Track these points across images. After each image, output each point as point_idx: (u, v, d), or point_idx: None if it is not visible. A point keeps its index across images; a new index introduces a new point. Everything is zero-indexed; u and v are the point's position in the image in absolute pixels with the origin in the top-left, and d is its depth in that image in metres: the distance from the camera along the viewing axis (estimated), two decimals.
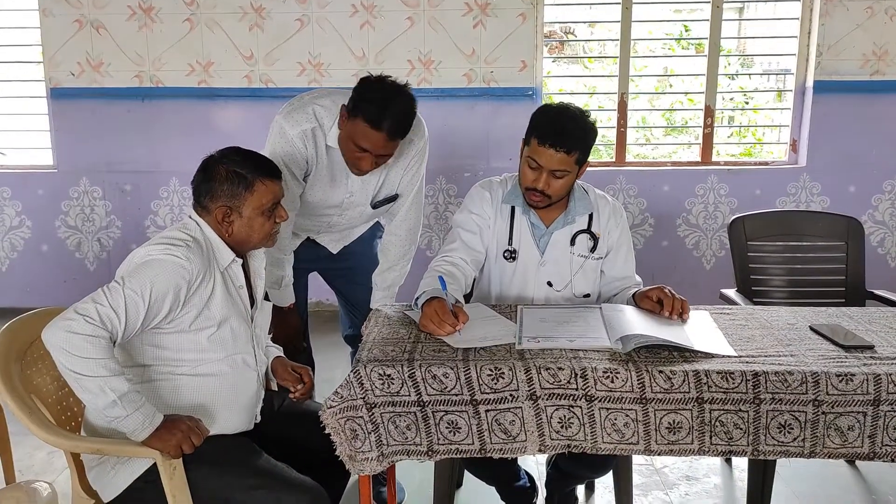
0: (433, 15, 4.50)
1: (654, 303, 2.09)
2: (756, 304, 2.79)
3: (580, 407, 1.74)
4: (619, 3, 4.51)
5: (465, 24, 4.49)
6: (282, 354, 2.11)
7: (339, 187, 2.39)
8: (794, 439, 1.72)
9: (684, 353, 1.80)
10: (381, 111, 2.10)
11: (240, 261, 1.91)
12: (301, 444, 1.97)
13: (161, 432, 1.67)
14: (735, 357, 1.79)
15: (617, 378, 1.72)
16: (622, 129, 4.69)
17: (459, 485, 2.68)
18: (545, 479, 2.46)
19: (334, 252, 2.61)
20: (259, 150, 2.37)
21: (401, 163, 2.41)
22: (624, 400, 1.72)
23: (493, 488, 2.40)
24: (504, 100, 4.59)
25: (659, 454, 1.75)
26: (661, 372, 1.72)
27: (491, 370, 1.73)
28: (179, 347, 1.81)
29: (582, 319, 2.03)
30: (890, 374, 1.70)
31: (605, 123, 4.75)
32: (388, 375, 1.73)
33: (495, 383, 1.73)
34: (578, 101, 5.59)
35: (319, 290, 2.95)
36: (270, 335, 2.16)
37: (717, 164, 4.74)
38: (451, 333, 1.91)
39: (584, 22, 5.21)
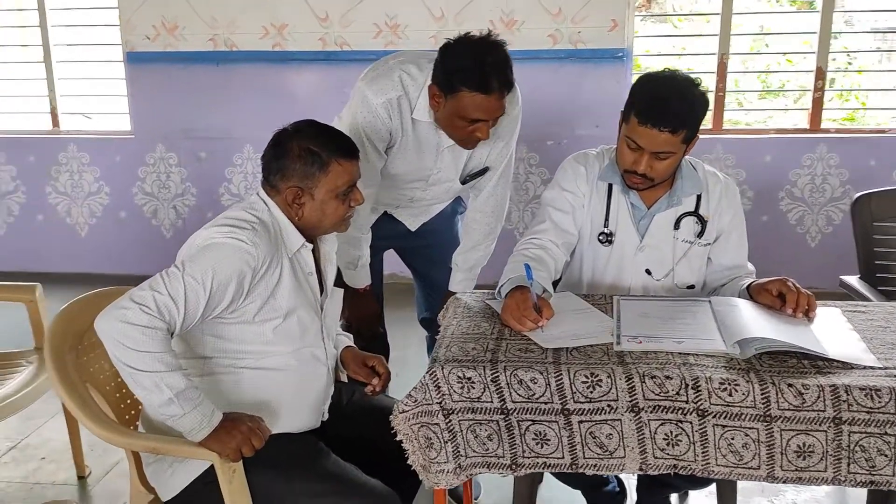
0: None
1: (773, 297, 1.81)
2: (883, 294, 2.47)
3: (690, 423, 1.50)
4: None
5: None
6: (352, 344, 1.93)
7: (427, 161, 2.19)
8: None
9: (816, 363, 1.54)
10: (483, 73, 1.88)
11: (310, 246, 1.73)
12: (372, 443, 1.79)
13: (220, 433, 1.52)
14: (879, 369, 1.52)
15: (736, 391, 1.47)
16: (721, 93, 4.31)
17: (541, 480, 2.48)
18: (636, 484, 2.23)
19: (412, 229, 2.42)
20: (333, 117, 2.19)
21: (493, 133, 2.19)
22: (744, 417, 1.48)
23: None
24: (592, 62, 4.28)
25: (784, 482, 1.50)
26: (790, 386, 1.46)
27: (586, 376, 1.50)
28: (243, 339, 1.65)
29: (690, 316, 1.77)
30: None
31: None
32: (469, 378, 1.53)
33: (591, 392, 1.51)
34: (672, 64, 5.25)
35: (395, 263, 2.77)
36: (342, 321, 1.99)
37: (828, 131, 4.32)
38: (532, 329, 1.70)
39: None
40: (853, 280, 2.51)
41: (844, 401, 1.44)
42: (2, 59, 4.87)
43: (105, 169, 4.76)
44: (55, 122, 4.81)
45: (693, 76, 1.91)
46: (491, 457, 1.57)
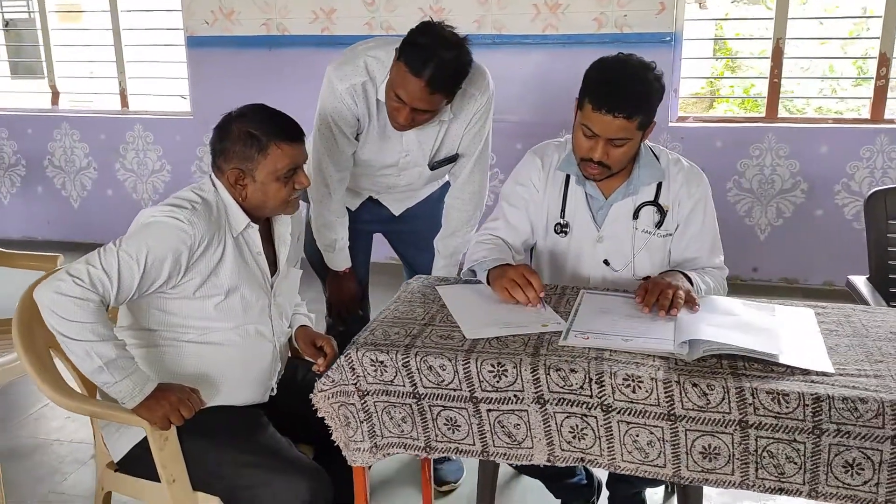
0: None
1: (641, 292, 1.77)
2: (892, 298, 2.33)
3: (595, 417, 1.48)
4: None
5: None
6: (307, 324, 1.99)
7: (394, 146, 2.21)
8: (865, 483, 1.37)
9: (764, 366, 1.47)
10: (424, 57, 1.90)
11: (255, 226, 1.79)
12: (318, 421, 1.86)
13: (150, 402, 1.62)
14: (828, 375, 1.44)
15: (640, 388, 1.44)
16: (776, 79, 4.12)
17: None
18: (607, 478, 2.20)
19: (396, 213, 2.45)
20: None
21: (460, 119, 2.19)
22: (648, 414, 1.45)
23: None
24: (638, 47, 4.04)
25: (692, 482, 1.46)
26: (695, 385, 1.42)
27: (492, 366, 1.51)
28: (185, 314, 1.74)
29: (651, 313, 1.73)
30: None
31: (754, 73, 4.21)
32: (381, 362, 1.56)
33: (497, 381, 1.51)
34: (724, 52, 5.04)
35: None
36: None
37: (891, 122, 4.06)
38: (527, 303, 1.74)
39: None
40: (859, 281, 2.37)
41: (750, 404, 1.39)
42: (78, 42, 5.20)
43: (167, 148, 5.02)
44: (124, 103, 5.10)
45: (647, 60, 1.85)
46: (406, 438, 1.60)
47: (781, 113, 4.30)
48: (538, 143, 2.12)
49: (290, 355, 2.01)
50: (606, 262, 2.00)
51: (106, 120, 5.10)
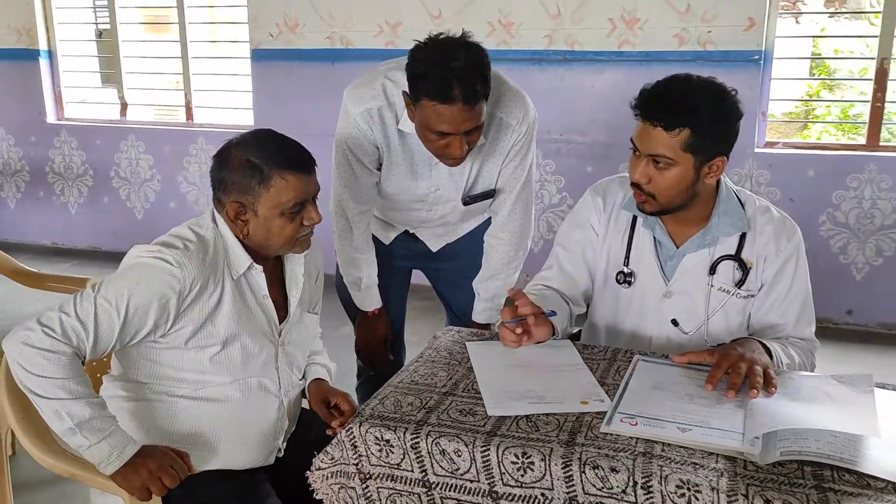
0: None
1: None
2: None
3: None
4: None
5: None
6: (323, 377, 1.77)
7: (422, 179, 1.98)
8: None
9: (859, 479, 1.17)
10: (443, 79, 1.65)
11: (259, 267, 1.59)
12: None
13: (128, 468, 1.42)
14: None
15: (696, 499, 1.16)
16: (879, 103, 3.70)
17: None
18: None
19: (434, 250, 2.21)
20: None
21: (498, 151, 1.94)
22: None
23: None
24: (723, 66, 3.81)
25: None
26: (767, 502, 1.12)
27: (517, 456, 1.25)
28: (178, 366, 1.54)
29: (717, 394, 1.42)
30: None
31: (856, 97, 3.80)
32: (387, 441, 1.32)
33: (522, 475, 1.25)
34: (821, 70, 4.60)
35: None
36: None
37: None
38: (515, 344, 1.57)
39: None
40: None
41: None
42: (144, 55, 5.19)
43: None
44: (189, 115, 5.05)
45: (727, 87, 1.57)
46: None
47: (886, 138, 3.87)
48: (610, 165, 1.86)
49: (305, 409, 1.80)
50: (675, 323, 1.71)
51: (171, 132, 5.06)
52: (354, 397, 1.73)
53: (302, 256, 1.68)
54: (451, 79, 1.64)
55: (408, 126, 1.86)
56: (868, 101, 3.75)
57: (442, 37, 1.73)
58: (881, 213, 3.73)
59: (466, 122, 1.71)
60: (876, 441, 1.24)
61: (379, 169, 1.98)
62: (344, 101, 1.95)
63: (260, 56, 4.67)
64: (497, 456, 1.26)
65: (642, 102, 1.56)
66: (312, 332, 1.77)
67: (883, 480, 1.16)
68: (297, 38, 4.56)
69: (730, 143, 1.60)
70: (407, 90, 1.77)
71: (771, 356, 1.51)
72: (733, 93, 1.58)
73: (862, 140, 3.82)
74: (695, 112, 1.52)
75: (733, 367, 1.43)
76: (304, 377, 1.76)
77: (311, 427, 1.75)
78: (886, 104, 3.72)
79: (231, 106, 5.07)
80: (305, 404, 1.79)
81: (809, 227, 3.71)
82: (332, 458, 1.37)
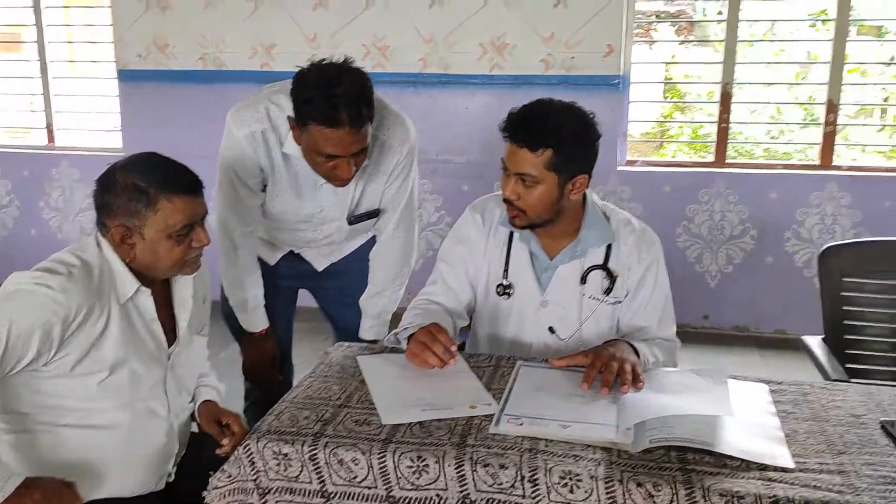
0: None
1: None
2: (847, 359, 2.20)
3: None
4: None
5: (545, 3, 3.99)
6: (214, 398, 1.77)
7: (307, 200, 2.02)
8: None
9: (717, 460, 1.31)
10: (329, 104, 1.71)
11: (147, 290, 1.58)
12: None
13: (11, 502, 1.38)
14: (789, 471, 1.28)
15: (578, 487, 1.26)
16: (724, 124, 4.05)
17: None
18: None
19: (320, 269, 2.25)
20: None
21: (381, 172, 2.02)
22: None
23: None
24: (587, 89, 4.04)
25: None
26: (639, 485, 1.25)
27: (412, 460, 1.32)
28: (63, 394, 1.50)
29: (592, 391, 1.55)
30: None
31: (705, 118, 4.15)
32: (285, 455, 1.35)
33: (417, 478, 1.32)
34: (673, 93, 4.99)
35: None
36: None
37: (839, 168, 4.01)
38: (439, 366, 1.61)
39: (684, 1, 4.57)
40: (814, 342, 2.24)
41: None
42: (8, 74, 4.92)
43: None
44: (50, 138, 4.82)
45: (586, 110, 1.71)
46: None
47: (732, 156, 4.23)
48: (485, 184, 1.97)
49: (195, 432, 1.79)
50: (552, 330, 1.83)
51: (30, 156, 4.80)
52: (243, 420, 1.74)
53: (190, 278, 1.69)
54: (337, 104, 1.70)
55: (292, 149, 1.90)
56: (715, 122, 4.09)
57: (325, 62, 1.79)
58: (730, 225, 4.07)
59: (353, 145, 1.78)
60: (731, 426, 1.40)
61: (264, 190, 2.00)
62: (227, 123, 1.97)
63: (128, 77, 4.53)
64: (393, 461, 1.32)
65: (509, 125, 1.68)
66: (201, 355, 1.77)
67: (738, 459, 1.30)
68: (168, 59, 4.47)
69: (590, 161, 1.74)
70: (291, 114, 1.81)
71: (638, 355, 1.66)
72: (591, 115, 1.72)
73: (711, 158, 4.16)
74: (556, 133, 1.65)
75: (606, 366, 1.56)
76: (193, 400, 1.75)
77: (201, 449, 1.75)
78: (731, 125, 4.08)
79: (97, 128, 4.88)
80: (195, 427, 1.79)
81: (667, 238, 3.98)
82: (230, 476, 1.39)
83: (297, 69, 1.84)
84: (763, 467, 1.28)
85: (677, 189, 4.09)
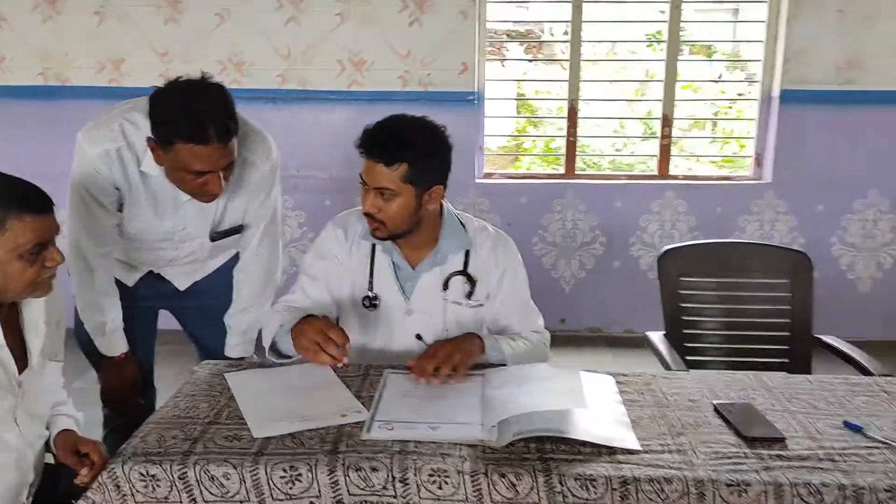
0: (365, 11, 4.09)
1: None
2: (686, 352, 2.41)
3: None
4: (569, 1, 4.11)
5: (401, 21, 4.09)
6: (72, 427, 1.70)
7: (166, 219, 1.99)
8: None
9: (572, 447, 1.41)
10: (195, 121, 1.70)
11: None
12: None
13: None
14: (637, 452, 1.40)
15: (446, 483, 1.33)
16: (572, 137, 4.30)
17: None
18: None
19: (181, 289, 2.21)
20: None
21: (243, 187, 2.02)
22: None
23: None
24: (444, 105, 4.17)
25: None
26: (503, 476, 1.33)
27: (285, 470, 1.34)
28: None
29: (456, 394, 1.63)
30: (795, 485, 1.31)
31: (555, 132, 4.39)
32: (153, 476, 1.34)
33: (290, 487, 1.34)
34: (525, 108, 5.25)
35: None
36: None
37: (675, 178, 4.35)
38: (334, 364, 1.66)
39: (532, 21, 4.82)
40: (656, 337, 2.43)
41: (559, 492, 1.32)
42: None
43: None
44: None
45: (437, 123, 1.80)
46: None
47: (581, 167, 4.49)
48: (346, 198, 2.01)
49: (50, 463, 1.71)
50: (419, 337, 1.90)
51: None
52: (102, 448, 1.68)
53: (42, 302, 1.62)
54: (203, 120, 1.70)
55: (151, 168, 1.86)
56: (564, 136, 4.34)
57: (182, 80, 1.77)
58: (581, 233, 4.32)
59: (222, 159, 1.78)
60: (583, 415, 1.51)
61: (120, 210, 1.95)
62: (78, 142, 1.90)
63: None
64: (266, 473, 1.34)
65: (364, 142, 1.74)
66: (56, 382, 1.70)
67: (590, 445, 1.42)
68: (4, 74, 4.21)
69: (444, 172, 1.82)
70: (149, 134, 1.78)
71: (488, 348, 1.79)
72: (443, 128, 1.81)
73: (562, 170, 4.40)
74: (410, 148, 1.73)
75: (434, 357, 1.69)
76: (48, 428, 1.68)
77: (58, 480, 1.68)
78: (579, 138, 4.33)
79: None
80: (50, 458, 1.71)
81: (525, 247, 4.18)
82: (93, 503, 1.35)
83: (150, 86, 1.81)
84: (612, 451, 1.40)
85: (532, 200, 4.29)
